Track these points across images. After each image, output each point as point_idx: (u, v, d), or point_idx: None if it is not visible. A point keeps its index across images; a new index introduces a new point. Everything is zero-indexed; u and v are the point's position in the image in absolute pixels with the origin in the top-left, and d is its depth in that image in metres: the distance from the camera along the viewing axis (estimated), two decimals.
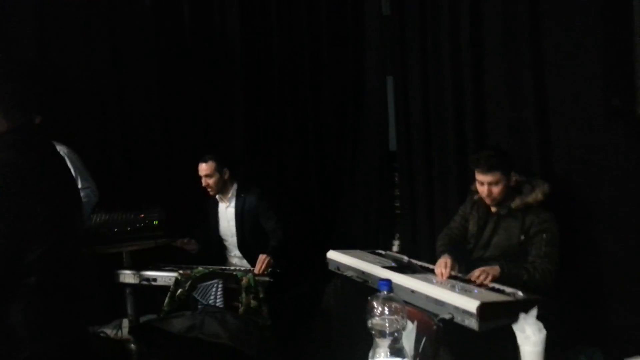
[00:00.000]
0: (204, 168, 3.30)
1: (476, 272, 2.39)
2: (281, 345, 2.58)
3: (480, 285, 2.31)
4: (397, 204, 3.92)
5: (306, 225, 3.92)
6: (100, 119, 3.76)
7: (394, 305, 1.26)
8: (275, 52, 4.04)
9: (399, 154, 3.79)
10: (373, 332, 1.25)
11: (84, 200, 2.94)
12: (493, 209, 2.70)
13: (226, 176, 3.34)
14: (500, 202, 2.64)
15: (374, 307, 1.27)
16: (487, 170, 2.57)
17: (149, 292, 3.15)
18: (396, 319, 1.24)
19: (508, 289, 2.27)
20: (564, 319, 2.64)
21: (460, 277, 2.48)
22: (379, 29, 3.84)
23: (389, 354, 1.22)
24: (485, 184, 2.60)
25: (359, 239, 3.87)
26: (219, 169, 3.30)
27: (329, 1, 3.98)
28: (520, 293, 2.21)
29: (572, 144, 2.71)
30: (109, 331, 3.44)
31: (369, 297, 1.29)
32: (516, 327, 1.37)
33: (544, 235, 2.48)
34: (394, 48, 3.73)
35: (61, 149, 3.00)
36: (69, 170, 1.65)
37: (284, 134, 4.07)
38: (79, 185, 2.99)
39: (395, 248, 3.93)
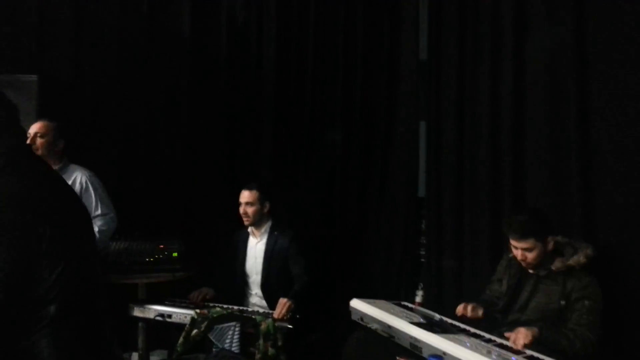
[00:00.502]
0: (246, 195, 3.21)
1: (513, 335, 2.24)
2: None
3: (519, 352, 2.15)
4: (423, 252, 3.78)
5: (327, 270, 3.78)
6: (125, 143, 3.72)
7: None
8: (308, 89, 3.99)
9: (428, 200, 3.67)
10: None
11: (102, 228, 2.91)
12: (530, 271, 2.56)
13: (266, 209, 3.25)
14: (537, 267, 2.51)
15: None
16: (520, 237, 2.46)
17: (161, 327, 3.04)
18: None
19: (548, 359, 2.10)
20: None
21: (496, 340, 2.32)
22: (414, 73, 3.78)
23: None
24: (519, 249, 2.49)
25: (380, 286, 3.73)
26: (261, 200, 3.22)
27: (365, 42, 3.94)
28: None
29: (617, 204, 2.58)
30: None
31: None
32: None
33: (586, 302, 2.33)
34: (428, 93, 3.66)
35: (84, 174, 2.98)
36: (72, 190, 1.59)
37: (311, 173, 3.98)
38: (98, 212, 2.95)
39: (418, 299, 3.77)
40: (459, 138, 3.43)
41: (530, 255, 2.46)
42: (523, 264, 2.52)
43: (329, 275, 3.74)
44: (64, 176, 2.91)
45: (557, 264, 2.46)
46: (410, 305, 2.85)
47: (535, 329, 2.25)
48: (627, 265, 2.56)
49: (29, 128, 3.05)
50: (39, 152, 2.90)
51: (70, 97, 3.42)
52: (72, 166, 3.02)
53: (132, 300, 3.09)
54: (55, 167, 2.93)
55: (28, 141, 2.88)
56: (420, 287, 3.78)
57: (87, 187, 2.94)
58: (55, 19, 3.54)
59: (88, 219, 1.60)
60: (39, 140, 2.92)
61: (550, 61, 2.91)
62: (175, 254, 3.22)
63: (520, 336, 2.22)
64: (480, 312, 2.57)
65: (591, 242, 2.57)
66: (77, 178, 2.96)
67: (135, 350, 3.28)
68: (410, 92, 3.80)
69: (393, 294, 3.60)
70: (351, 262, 3.88)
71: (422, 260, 3.78)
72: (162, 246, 3.27)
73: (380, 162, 3.90)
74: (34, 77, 3.18)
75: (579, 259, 2.42)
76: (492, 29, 3.24)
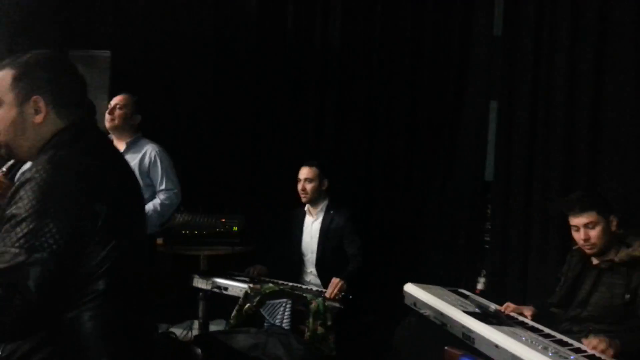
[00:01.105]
0: (306, 171, 3.22)
1: (594, 341, 2.04)
2: None
3: (578, 350, 2.02)
4: (487, 239, 3.63)
5: (387, 252, 3.72)
6: (192, 121, 3.81)
7: None
8: (375, 66, 3.89)
9: (495, 184, 3.51)
10: None
11: (165, 202, 2.99)
12: (594, 262, 2.37)
13: (324, 187, 3.25)
14: (602, 250, 2.32)
15: None
16: (580, 210, 2.30)
17: (221, 298, 3.12)
18: None
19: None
20: None
21: (555, 336, 2.19)
22: (487, 50, 3.59)
23: None
24: (581, 228, 2.31)
25: (441, 272, 3.62)
26: (320, 177, 3.22)
27: (436, 15, 3.78)
28: None
29: None
30: (179, 332, 3.48)
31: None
32: None
33: None
34: (502, 71, 3.46)
35: (154, 149, 3.05)
36: (130, 169, 1.60)
37: (375, 154, 3.90)
38: (163, 187, 3.01)
39: (480, 285, 3.64)
40: (532, 120, 3.25)
41: (593, 233, 2.29)
42: (587, 247, 2.33)
43: (387, 258, 3.69)
44: (136, 149, 3.05)
45: (620, 255, 2.27)
46: (466, 292, 2.75)
47: (618, 343, 2.04)
48: None
49: (102, 102, 3.21)
50: (116, 122, 3.01)
51: (142, 74, 3.53)
52: (144, 140, 3.10)
53: (194, 271, 3.20)
54: (129, 140, 3.05)
55: (107, 112, 3.00)
56: (482, 274, 3.65)
57: (155, 161, 3.03)
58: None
59: (141, 201, 1.63)
60: (117, 112, 3.01)
61: (637, 38, 2.65)
62: (235, 228, 3.30)
63: (601, 346, 2.02)
64: (527, 314, 2.44)
65: None
66: (147, 152, 3.04)
67: (196, 318, 3.40)
68: (482, 69, 3.62)
69: (454, 280, 3.49)
70: (412, 245, 3.80)
71: (487, 246, 3.63)
72: (223, 220, 3.35)
73: (447, 142, 3.76)
74: (107, 53, 3.30)
75: None
76: (573, 3, 3.00)
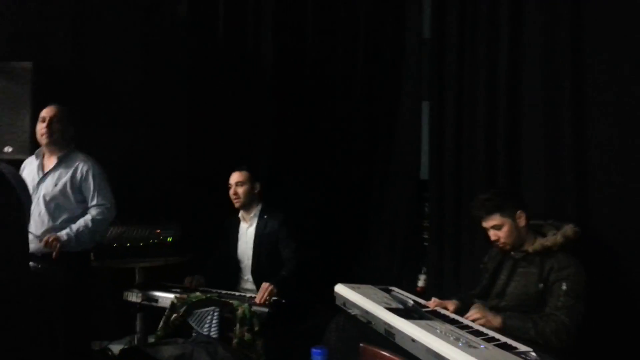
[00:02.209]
0: (237, 176, 3.23)
1: (474, 313, 2.21)
2: None
3: (491, 339, 2.06)
4: (426, 236, 3.69)
5: (327, 254, 3.74)
6: (125, 129, 3.75)
7: None
8: (308, 71, 3.93)
9: (431, 183, 3.57)
10: None
11: (97, 217, 2.93)
12: (511, 253, 2.46)
13: (256, 191, 3.25)
14: (515, 246, 2.42)
15: None
16: (485, 215, 2.42)
17: (161, 312, 3.08)
18: None
19: (521, 347, 2.01)
20: None
21: (473, 327, 2.24)
22: (417, 52, 3.66)
23: None
24: (490, 230, 2.43)
25: (383, 272, 3.66)
26: (251, 180, 3.23)
27: (368, 21, 3.84)
28: (533, 354, 1.94)
29: (612, 188, 2.43)
30: (119, 348, 3.41)
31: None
32: None
33: (563, 285, 2.21)
34: (431, 72, 3.54)
35: (86, 163, 2.99)
36: (11, 187, 1.56)
37: (312, 157, 3.93)
38: (94, 202, 2.95)
39: (420, 283, 3.70)
40: (458, 119, 3.31)
41: (501, 234, 2.40)
42: (499, 245, 2.43)
43: (326, 259, 3.71)
44: (67, 163, 2.98)
45: (534, 245, 2.36)
46: (398, 290, 2.78)
47: (499, 319, 2.19)
48: (622, 252, 2.41)
49: (23, 114, 3.13)
50: (54, 137, 2.94)
51: (67, 84, 3.46)
52: (76, 153, 3.03)
53: (131, 284, 3.15)
54: (59, 154, 2.98)
55: (44, 127, 2.92)
56: (423, 272, 3.70)
57: (86, 176, 2.96)
58: (52, 5, 3.56)
59: (17, 219, 1.58)
60: (55, 125, 2.94)
61: (546, 37, 2.75)
62: (170, 239, 3.27)
63: (476, 315, 2.22)
64: (450, 308, 2.51)
65: (584, 226, 2.44)
66: (79, 167, 2.97)
67: (135, 333, 3.34)
68: (413, 71, 3.69)
69: (395, 278, 3.54)
70: (352, 247, 3.83)
71: (426, 244, 3.68)
72: (158, 231, 3.32)
73: (383, 143, 3.82)
74: (28, 64, 3.22)
75: (556, 239, 2.31)
76: (490, 8, 3.09)
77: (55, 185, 2.92)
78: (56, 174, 2.95)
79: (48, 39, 3.52)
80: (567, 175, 2.64)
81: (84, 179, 2.96)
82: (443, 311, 2.46)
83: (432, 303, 2.53)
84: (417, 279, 3.69)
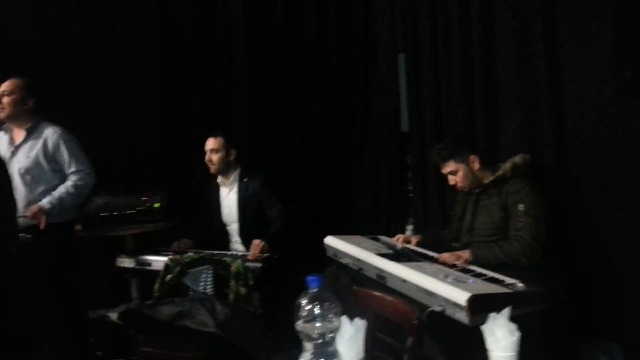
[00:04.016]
0: (211, 143, 3.23)
1: (445, 255, 2.37)
2: (273, 333, 2.48)
3: (480, 274, 2.16)
4: (411, 187, 3.75)
5: (313, 212, 3.79)
6: (101, 100, 3.71)
7: (325, 304, 1.13)
8: (280, 30, 3.88)
9: (411, 135, 3.61)
10: (300, 337, 1.13)
11: (78, 182, 2.91)
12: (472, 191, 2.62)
13: (231, 157, 3.25)
14: (472, 187, 2.60)
15: (301, 307, 1.14)
16: (440, 162, 2.62)
17: (155, 276, 3.12)
18: (328, 319, 1.12)
19: (508, 280, 2.11)
20: (578, 312, 2.47)
21: (465, 267, 2.34)
22: (390, 4, 3.64)
23: (321, 358, 1.10)
24: (448, 175, 2.61)
25: (369, 225, 3.73)
26: (226, 147, 3.23)
27: None
28: (520, 284, 2.05)
29: (586, 125, 2.51)
30: (116, 315, 3.45)
31: (301, 295, 1.17)
32: (485, 329, 1.21)
33: (520, 206, 2.36)
34: (405, 24, 3.53)
35: (55, 131, 2.96)
36: None
37: (290, 115, 3.93)
38: (72, 169, 2.93)
39: (408, 233, 3.77)
40: (435, 70, 3.33)
41: (457, 178, 2.59)
42: (458, 188, 2.61)
43: (315, 216, 3.76)
44: (36, 134, 2.93)
45: (489, 177, 2.52)
46: (384, 238, 2.86)
47: (468, 252, 2.36)
48: (597, 188, 2.50)
49: None
50: (7, 111, 2.89)
51: (34, 58, 3.39)
52: (44, 124, 2.98)
53: (118, 252, 3.17)
54: (26, 126, 2.94)
55: None
56: (410, 222, 3.78)
57: (58, 144, 2.92)
58: None
59: None
60: (5, 99, 2.87)
61: None
62: (157, 205, 3.27)
63: (450, 259, 2.35)
64: (413, 241, 2.74)
65: (559, 164, 2.53)
66: (49, 136, 2.93)
67: (132, 299, 3.38)
68: (387, 22, 3.68)
69: (384, 231, 3.61)
70: (338, 202, 3.88)
71: (410, 195, 3.75)
72: (144, 198, 3.32)
73: (361, 98, 3.82)
74: None
75: (505, 166, 2.47)
76: None
77: (28, 157, 2.89)
78: (27, 146, 2.92)
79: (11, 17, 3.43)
80: (543, 117, 2.69)
81: (56, 147, 2.93)
82: (431, 253, 2.55)
83: (398, 239, 2.76)
84: (405, 229, 3.76)
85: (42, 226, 2.74)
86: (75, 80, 3.58)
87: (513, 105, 2.84)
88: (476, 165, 2.58)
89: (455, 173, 2.60)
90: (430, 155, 2.71)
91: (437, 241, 2.77)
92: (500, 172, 2.48)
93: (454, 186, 2.64)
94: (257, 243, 2.84)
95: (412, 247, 2.67)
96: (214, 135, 3.24)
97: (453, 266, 2.31)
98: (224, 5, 3.93)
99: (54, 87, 3.30)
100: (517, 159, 2.49)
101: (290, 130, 3.93)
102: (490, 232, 2.45)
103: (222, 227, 3.30)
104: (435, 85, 3.33)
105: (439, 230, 2.94)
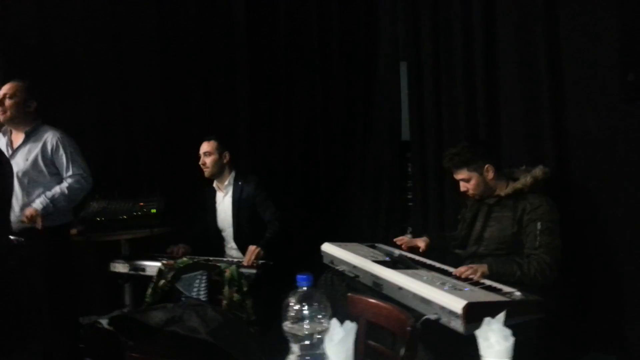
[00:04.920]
0: (205, 146, 3.21)
1: (462, 268, 2.23)
2: (267, 340, 2.43)
3: (477, 283, 2.10)
4: (410, 196, 3.71)
5: (312, 218, 3.75)
6: (102, 103, 3.69)
7: (314, 304, 1.09)
8: (283, 36, 3.88)
9: (413, 143, 3.57)
10: (287, 337, 1.09)
11: (74, 185, 2.89)
12: (485, 200, 2.52)
13: (225, 160, 3.22)
14: (484, 195, 2.50)
15: (289, 307, 1.10)
16: (453, 168, 2.51)
17: (149, 281, 3.07)
18: (317, 320, 1.07)
19: (506, 288, 2.05)
20: (575, 324, 2.41)
21: (447, 269, 2.29)
22: (392, 11, 3.63)
23: None
24: (460, 182, 2.52)
25: (368, 233, 3.69)
26: (219, 150, 3.20)
27: None
28: (517, 293, 1.99)
29: (588, 131, 2.46)
30: (106, 321, 3.40)
31: (290, 294, 1.12)
32: (479, 334, 1.16)
33: (538, 224, 2.26)
34: (408, 31, 3.51)
35: (55, 135, 2.94)
36: None
37: (291, 122, 3.91)
38: (70, 172, 2.90)
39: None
40: (437, 78, 3.30)
41: (469, 186, 2.49)
42: (470, 196, 2.52)
43: (315, 223, 3.72)
44: (36, 137, 2.91)
45: (506, 190, 2.42)
46: (382, 245, 2.81)
47: (485, 266, 2.22)
48: (598, 191, 2.45)
49: None
50: (8, 114, 2.87)
51: (35, 58, 3.38)
52: (44, 127, 2.97)
53: (113, 257, 3.13)
54: (27, 129, 2.92)
55: None
56: (408, 231, 3.73)
57: (57, 148, 2.91)
58: None
59: None
60: (7, 102, 2.86)
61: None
62: (153, 210, 3.24)
63: (467, 272, 2.20)
64: (422, 245, 2.65)
65: (563, 170, 2.48)
66: (49, 139, 2.92)
67: (125, 306, 3.34)
68: (389, 31, 3.67)
69: (382, 239, 3.56)
70: (338, 209, 3.85)
71: (410, 204, 3.71)
72: (141, 204, 3.29)
73: (362, 105, 3.80)
74: None
75: (526, 180, 2.37)
76: None
77: (26, 160, 2.87)
78: (25, 149, 2.90)
79: (12, 13, 3.42)
80: (545, 123, 2.65)
81: (55, 151, 2.91)
82: (429, 261, 2.50)
83: (402, 241, 2.68)
84: None
85: (39, 226, 2.72)
86: (75, 83, 3.57)
87: (515, 112, 2.81)
88: (490, 175, 2.46)
89: (467, 181, 2.49)
90: (443, 158, 2.59)
91: (443, 246, 2.71)
92: (519, 186, 2.37)
93: (465, 192, 2.54)
94: (252, 249, 2.80)
95: (413, 255, 2.58)
96: (208, 138, 3.23)
97: (450, 274, 2.25)
98: (227, 12, 3.93)
99: (54, 90, 3.28)
100: (538, 172, 2.38)
101: (291, 136, 3.90)
102: (498, 246, 2.37)
103: (217, 233, 3.26)
104: (437, 93, 3.30)
105: (445, 233, 2.83)
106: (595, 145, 2.44)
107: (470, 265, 2.22)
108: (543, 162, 2.63)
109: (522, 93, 2.78)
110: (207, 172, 3.19)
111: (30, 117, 2.95)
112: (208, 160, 3.17)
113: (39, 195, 2.84)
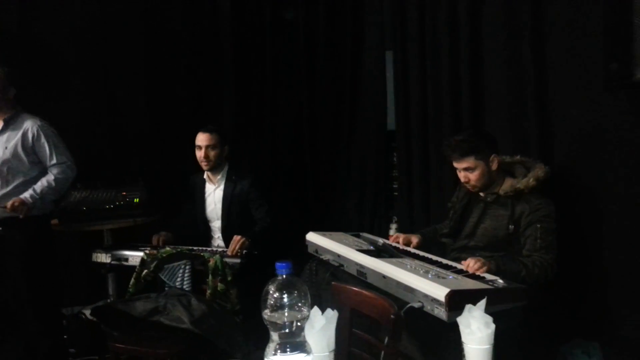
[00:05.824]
0: (207, 138, 3.06)
1: (471, 261, 2.13)
2: (251, 330, 2.42)
3: (460, 271, 2.11)
4: (395, 186, 3.72)
5: (298, 209, 3.74)
6: (84, 92, 3.64)
7: (294, 292, 1.08)
8: (268, 26, 3.85)
9: (398, 133, 3.57)
10: (267, 325, 1.08)
11: (59, 176, 2.85)
12: (480, 194, 2.47)
13: (225, 153, 3.16)
14: (484, 188, 2.42)
15: (268, 295, 1.09)
16: (459, 156, 2.36)
17: (132, 271, 3.05)
18: (297, 308, 1.06)
19: (489, 277, 2.06)
20: (558, 311, 2.44)
21: (442, 262, 2.28)
22: (378, 1, 3.61)
23: (287, 349, 1.04)
24: (461, 171, 2.39)
25: (354, 223, 3.69)
26: (222, 143, 3.11)
27: None
28: (500, 281, 2.00)
29: (573, 121, 2.48)
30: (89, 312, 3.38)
31: (269, 282, 1.11)
32: (461, 321, 1.17)
33: (539, 226, 2.22)
34: (393, 21, 3.50)
35: (35, 123, 2.89)
36: None
37: (277, 112, 3.89)
38: (54, 161, 2.86)
39: (392, 232, 3.73)
40: (422, 68, 3.30)
41: (472, 176, 2.36)
42: (468, 186, 2.43)
43: (301, 213, 3.71)
44: (15, 125, 2.86)
45: (505, 187, 2.35)
46: (366, 234, 2.81)
47: (492, 263, 2.14)
48: (583, 183, 2.47)
49: None
50: None
51: (16, 46, 3.31)
52: (24, 115, 2.91)
53: (96, 247, 3.10)
54: (6, 116, 2.87)
55: None
56: (394, 221, 3.74)
57: (38, 136, 2.85)
58: None
59: None
60: None
61: None
62: (136, 200, 3.21)
63: (475, 266, 2.12)
64: (414, 241, 2.58)
65: (547, 161, 2.49)
66: (29, 127, 2.86)
67: (107, 297, 3.31)
68: (375, 21, 3.65)
69: (368, 229, 3.57)
70: (324, 199, 3.84)
71: (395, 193, 3.72)
72: (124, 193, 3.26)
73: (348, 95, 3.79)
74: None
75: (528, 181, 2.29)
76: None
77: (5, 148, 2.81)
78: (4, 137, 2.84)
79: None
80: (530, 118, 2.66)
81: (36, 139, 2.85)
82: (413, 250, 2.50)
83: (397, 238, 2.62)
84: (389, 228, 3.73)
85: (22, 216, 2.69)
86: (57, 71, 3.51)
87: (500, 102, 2.81)
88: (495, 166, 2.36)
89: (471, 170, 2.35)
90: (446, 145, 2.42)
91: (431, 238, 2.69)
92: (520, 187, 2.29)
93: (465, 183, 2.44)
94: (237, 239, 2.77)
95: (397, 244, 2.58)
96: (208, 130, 3.10)
97: (434, 262, 2.26)
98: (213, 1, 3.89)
99: (35, 77, 3.22)
100: (540, 173, 2.30)
101: (277, 126, 3.88)
102: (490, 243, 2.34)
103: (205, 224, 3.22)
104: (423, 83, 3.30)
105: (433, 226, 2.81)
106: (579, 133, 2.45)
107: (477, 259, 2.14)
108: (528, 151, 2.65)
109: (508, 82, 2.79)
110: (208, 166, 3.09)
111: (9, 104, 2.88)
112: (212, 154, 3.07)
113: (19, 185, 2.80)
